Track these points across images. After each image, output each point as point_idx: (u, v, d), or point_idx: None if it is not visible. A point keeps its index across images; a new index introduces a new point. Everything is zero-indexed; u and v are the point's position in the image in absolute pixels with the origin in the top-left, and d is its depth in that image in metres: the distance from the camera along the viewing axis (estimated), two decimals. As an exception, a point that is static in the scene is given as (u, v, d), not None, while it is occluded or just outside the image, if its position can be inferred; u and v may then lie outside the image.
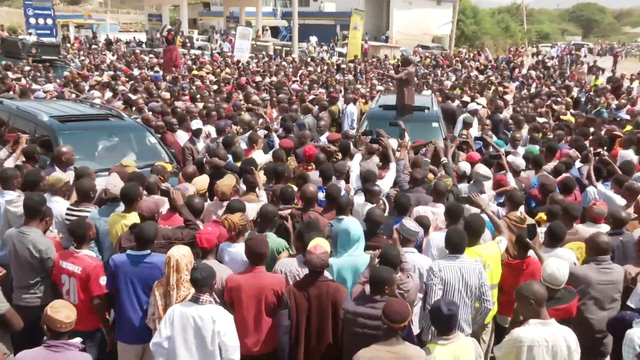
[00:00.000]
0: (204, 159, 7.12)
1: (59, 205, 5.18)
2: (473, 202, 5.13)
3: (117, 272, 4.17)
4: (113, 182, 5.13)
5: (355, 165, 6.42)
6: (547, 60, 27.17)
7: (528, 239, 4.56)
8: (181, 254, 3.92)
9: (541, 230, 5.12)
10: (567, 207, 5.21)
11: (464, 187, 6.27)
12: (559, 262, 4.04)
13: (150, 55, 23.16)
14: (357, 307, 3.71)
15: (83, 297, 4.23)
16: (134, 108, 9.92)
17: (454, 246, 4.22)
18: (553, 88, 15.62)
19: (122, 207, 5.00)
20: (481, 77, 18.62)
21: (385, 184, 5.94)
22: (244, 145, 7.58)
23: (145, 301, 4.13)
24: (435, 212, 5.40)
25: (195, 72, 16.90)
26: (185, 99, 11.71)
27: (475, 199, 5.11)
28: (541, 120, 9.95)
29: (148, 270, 4.12)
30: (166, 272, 3.91)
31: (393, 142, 7.10)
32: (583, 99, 14.25)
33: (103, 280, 4.23)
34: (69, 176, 5.50)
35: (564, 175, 6.50)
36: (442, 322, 3.41)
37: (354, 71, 20.42)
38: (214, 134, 8.60)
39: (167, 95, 11.98)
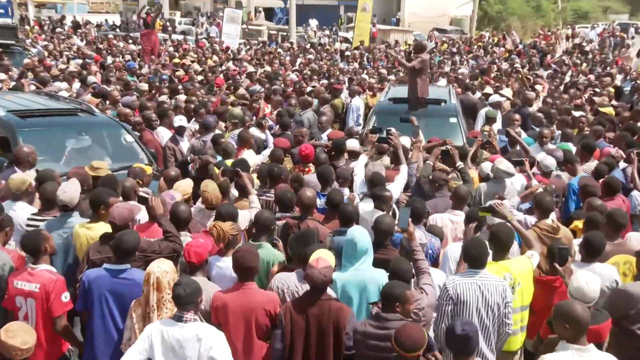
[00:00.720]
0: (189, 158, 7.13)
1: (22, 213, 5.20)
2: (496, 211, 4.98)
3: (90, 290, 4.15)
4: (64, 187, 5.05)
5: (359, 169, 6.43)
6: (584, 44, 27.12)
7: (558, 265, 4.46)
8: (163, 270, 3.92)
9: (577, 242, 5.12)
10: (613, 213, 5.14)
11: (482, 186, 6.27)
12: (589, 276, 4.03)
13: (130, 41, 23.20)
14: (367, 327, 3.74)
15: (44, 321, 4.19)
16: (107, 102, 9.96)
17: (473, 260, 4.21)
18: (592, 76, 15.59)
19: (76, 217, 4.98)
20: (505, 65, 18.61)
21: (395, 189, 5.95)
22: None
23: (121, 324, 4.12)
24: (455, 220, 5.42)
25: (177, 60, 16.97)
26: (166, 91, 11.74)
27: (499, 208, 4.95)
28: (577, 113, 9.94)
29: (127, 288, 4.10)
30: (145, 291, 3.91)
31: (405, 140, 7.11)
32: (627, 89, 14.19)
33: (66, 297, 4.21)
34: (31, 176, 5.51)
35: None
36: (456, 344, 3.42)
37: (360, 59, 20.47)
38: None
39: (144, 86, 12.02)
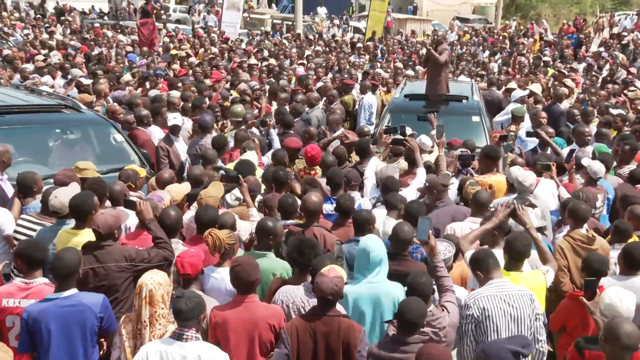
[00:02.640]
0: (187, 167, 7.17)
1: None
2: (516, 215, 4.90)
3: (36, 327, 3.98)
4: (57, 192, 5.09)
5: (370, 172, 6.45)
6: (624, 34, 26.90)
7: (585, 299, 4.35)
8: (156, 282, 3.95)
9: (613, 255, 5.12)
10: None
11: (505, 200, 6.21)
12: (623, 292, 4.01)
13: (119, 30, 23.29)
14: (382, 351, 3.76)
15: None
16: (95, 98, 10.03)
17: (486, 266, 4.23)
18: (633, 70, 15.53)
19: (71, 225, 4.99)
20: (530, 58, 18.57)
21: (409, 194, 5.98)
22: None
23: (82, 357, 4.07)
24: (475, 228, 5.43)
25: (174, 51, 17.08)
26: (161, 87, 11.82)
27: (520, 212, 4.90)
28: (615, 111, 9.91)
29: (80, 315, 4.02)
30: (137, 305, 3.94)
31: (427, 140, 7.14)
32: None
33: None
34: None
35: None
36: None
37: (373, 50, 20.49)
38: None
39: (127, 77, 12.06)
